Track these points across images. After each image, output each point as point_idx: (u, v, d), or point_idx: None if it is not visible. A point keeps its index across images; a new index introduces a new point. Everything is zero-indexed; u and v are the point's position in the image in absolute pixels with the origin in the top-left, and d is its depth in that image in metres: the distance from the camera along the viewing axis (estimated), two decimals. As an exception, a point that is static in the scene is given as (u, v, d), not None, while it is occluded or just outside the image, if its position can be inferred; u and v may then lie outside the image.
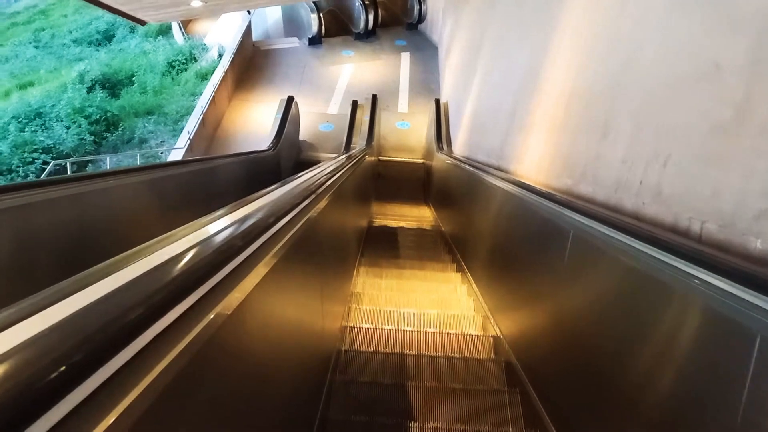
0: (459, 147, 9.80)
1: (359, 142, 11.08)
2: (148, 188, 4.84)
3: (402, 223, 9.03)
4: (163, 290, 0.93)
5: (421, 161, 12.47)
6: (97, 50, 22.45)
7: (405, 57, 16.08)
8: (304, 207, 2.37)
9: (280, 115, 11.28)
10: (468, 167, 6.67)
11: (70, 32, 26.07)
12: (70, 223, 3.60)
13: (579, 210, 2.65)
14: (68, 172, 6.59)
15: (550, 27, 4.88)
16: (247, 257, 1.38)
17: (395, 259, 6.72)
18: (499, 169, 5.73)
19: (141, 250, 1.12)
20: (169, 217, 5.24)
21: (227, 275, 1.20)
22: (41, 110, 14.68)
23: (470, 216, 6.26)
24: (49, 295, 0.82)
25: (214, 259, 1.17)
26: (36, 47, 25.02)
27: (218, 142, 12.48)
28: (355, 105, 13.19)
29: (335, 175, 4.14)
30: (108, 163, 8.73)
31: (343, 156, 7.57)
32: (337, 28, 17.21)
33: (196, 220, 1.54)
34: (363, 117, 12.50)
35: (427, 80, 14.99)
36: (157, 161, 11.87)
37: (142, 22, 9.46)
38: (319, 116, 13.52)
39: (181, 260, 1.08)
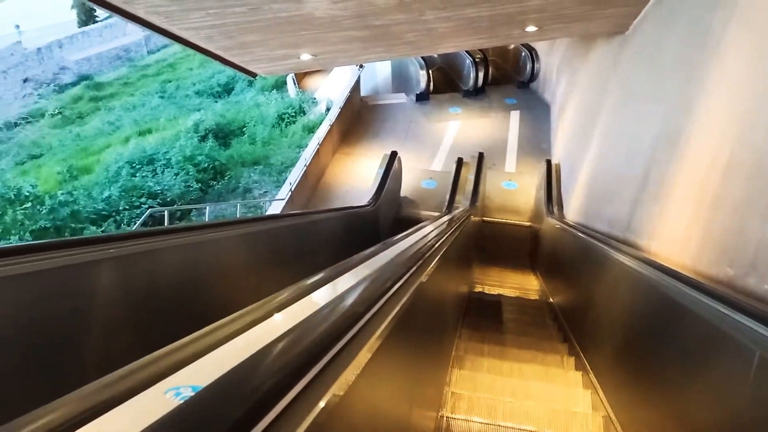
0: (572, 212, 9.03)
1: (463, 201, 10.57)
2: (245, 241, 4.69)
3: (506, 291, 8.32)
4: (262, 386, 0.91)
5: (527, 224, 11.72)
6: (216, 102, 23.66)
7: (514, 115, 15.55)
8: (410, 277, 2.16)
9: (382, 170, 11.03)
10: (584, 236, 5.95)
11: (194, 84, 27.81)
12: (168, 274, 3.45)
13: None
14: (166, 220, 6.54)
15: (695, 85, 4.19)
16: (351, 338, 1.29)
17: (498, 334, 6.02)
18: (625, 242, 4.99)
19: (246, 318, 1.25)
20: (265, 272, 5.07)
21: (334, 356, 1.15)
22: (154, 156, 15.37)
23: (589, 293, 5.49)
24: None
25: (324, 339, 1.15)
26: (161, 97, 26.81)
27: (319, 194, 12.39)
28: (460, 162, 12.74)
29: (439, 239, 3.84)
30: (207, 213, 8.77)
31: (446, 216, 7.10)
32: (445, 84, 17.05)
33: (298, 285, 1.58)
34: (468, 175, 12.02)
35: (537, 140, 14.33)
36: (257, 214, 11.91)
37: (254, 75, 9.57)
38: (422, 172, 13.18)
39: (283, 347, 1.06)
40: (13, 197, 9.63)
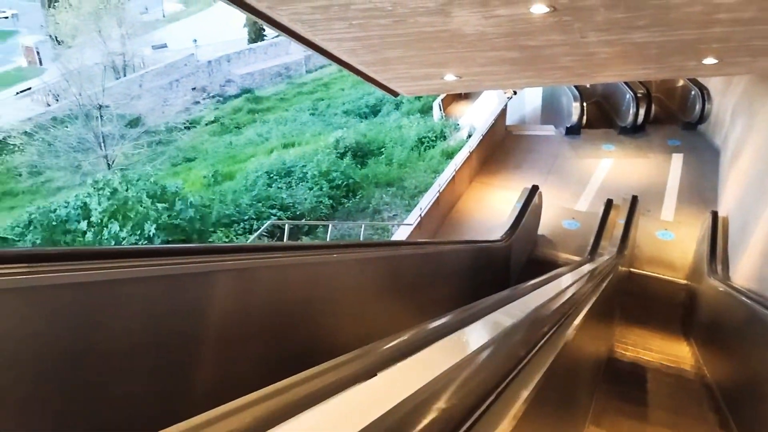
0: (742, 275, 7.70)
1: (609, 248, 9.50)
2: (362, 265, 4.34)
3: (653, 358, 7.18)
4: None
5: (683, 282, 10.30)
6: (361, 122, 24.08)
7: (677, 158, 14.02)
8: (550, 337, 1.92)
9: (519, 205, 10.26)
10: (759, 307, 4.84)
11: (343, 104, 28.68)
12: (276, 291, 3.20)
13: None
14: (286, 234, 6.33)
15: None
16: (492, 402, 1.15)
17: (642, 407, 5.05)
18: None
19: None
20: (380, 300, 4.74)
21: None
22: (292, 169, 15.70)
23: (760, 377, 4.41)
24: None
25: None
26: (312, 114, 27.88)
27: (450, 223, 11.86)
28: (609, 204, 11.60)
29: (582, 293, 3.46)
30: (329, 230, 8.50)
31: (589, 265, 6.23)
32: (599, 119, 15.94)
33: (422, 326, 1.57)
34: (617, 219, 10.89)
35: (701, 188, 12.75)
36: (380, 239, 11.61)
37: (396, 93, 9.29)
38: (564, 211, 12.20)
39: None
40: (155, 194, 10.14)
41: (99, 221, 9.31)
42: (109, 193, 9.87)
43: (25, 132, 23.80)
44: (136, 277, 1.99)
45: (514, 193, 11.46)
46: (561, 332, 2.09)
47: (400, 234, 10.46)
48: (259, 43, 42.03)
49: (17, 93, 37.71)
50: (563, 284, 3.22)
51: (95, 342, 1.86)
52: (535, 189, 11.00)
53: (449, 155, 15.87)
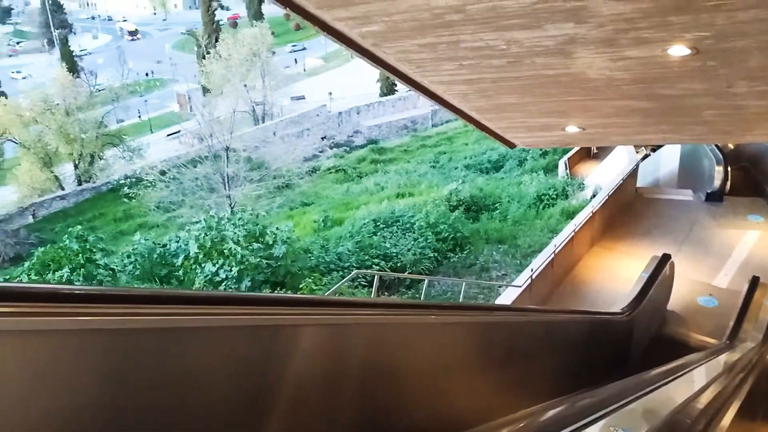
0: None
1: (752, 333, 8.22)
2: (463, 330, 3.95)
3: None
4: None
5: None
6: (480, 176, 23.62)
7: (841, 236, 12.19)
8: None
9: (647, 275, 9.22)
10: None
11: (465, 158, 28.53)
12: (367, 352, 2.90)
13: None
14: (374, 287, 5.90)
15: None
16: None
17: None
18: None
19: None
20: (469, 369, 4.17)
21: None
22: (400, 219, 15.43)
23: None
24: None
25: None
26: (433, 167, 27.93)
27: (564, 289, 10.96)
28: (754, 283, 10.15)
29: (727, 390, 3.09)
30: (425, 285, 7.93)
31: (728, 352, 5.26)
32: (746, 186, 14.47)
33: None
34: (763, 301, 9.46)
35: None
36: (477, 302, 10.86)
37: (512, 145, 8.74)
38: (700, 286, 10.92)
39: None
40: (255, 234, 10.24)
41: (194, 257, 9.51)
42: (206, 231, 10.11)
43: (161, 171, 25.73)
44: (216, 326, 1.91)
45: (641, 261, 10.43)
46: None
47: (508, 296, 9.72)
48: (389, 97, 43.30)
49: (168, 135, 41.45)
50: (701, 378, 2.55)
51: (169, 390, 1.80)
52: (666, 258, 9.90)
53: (569, 215, 14.94)
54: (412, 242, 14.19)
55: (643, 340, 8.95)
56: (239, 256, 9.24)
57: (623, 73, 5.07)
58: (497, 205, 17.63)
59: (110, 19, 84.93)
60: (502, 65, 5.14)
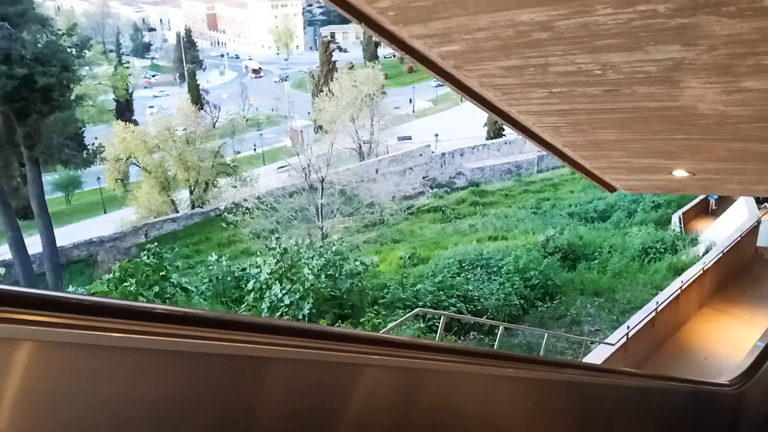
0: None
1: None
2: (542, 387, 3.61)
3: None
4: None
5: None
6: (584, 226, 22.46)
7: None
8: None
9: (763, 344, 8.16)
10: None
11: (569, 206, 27.38)
12: (432, 399, 2.71)
13: None
14: (440, 329, 5.50)
15: None
16: None
17: None
18: None
19: None
20: None
21: None
22: (487, 261, 14.79)
23: None
24: None
25: None
26: (534, 213, 27.02)
27: (665, 352, 9.96)
28: None
29: None
30: (499, 333, 7.28)
31: None
32: None
33: None
34: None
35: None
36: (558, 358, 9.98)
37: (611, 188, 8.09)
38: (828, 363, 9.47)
39: None
40: (327, 262, 10.12)
41: (264, 282, 9.54)
42: (279, 256, 10.13)
43: (262, 200, 26.74)
44: (275, 357, 1.82)
45: (757, 329, 9.33)
46: None
47: (598, 354, 8.86)
48: (494, 141, 42.92)
49: (278, 168, 43.33)
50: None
51: (223, 417, 1.75)
52: (787, 328, 8.74)
53: (677, 271, 13.66)
54: (498, 286, 13.44)
55: (756, 417, 7.85)
56: (307, 284, 9.13)
57: (740, 108, 4.46)
58: (597, 254, 16.52)
59: (237, 57, 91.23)
60: (597, 94, 4.63)
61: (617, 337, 9.07)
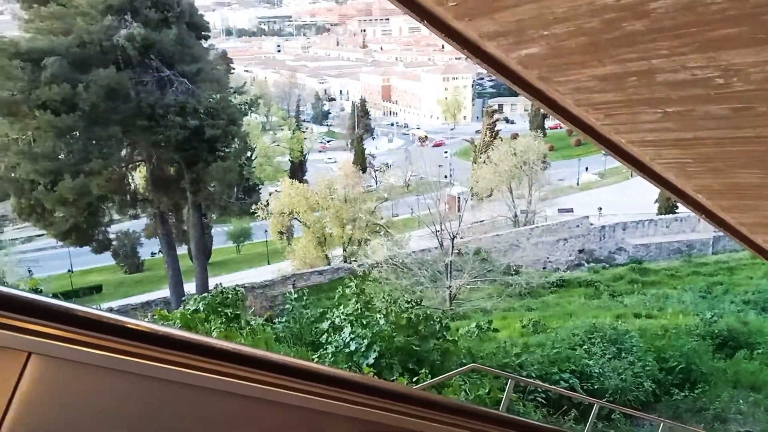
0: None
1: None
2: None
3: None
4: None
5: None
6: (759, 316, 19.39)
7: None
8: None
9: None
10: None
11: (745, 293, 24.09)
12: None
13: None
14: (504, 397, 4.67)
15: None
16: None
17: None
18: None
19: None
20: None
21: None
22: (621, 337, 13.10)
23: None
24: None
25: None
26: (701, 296, 24.06)
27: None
28: None
29: None
30: (593, 413, 5.99)
31: None
32: None
33: None
34: None
35: None
36: None
37: (767, 254, 6.76)
38: None
39: None
40: (403, 311, 9.45)
41: (339, 325, 9.11)
42: (355, 297, 9.69)
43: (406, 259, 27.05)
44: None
45: None
46: None
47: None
48: (663, 216, 39.59)
49: (432, 232, 43.70)
50: None
51: None
52: None
53: None
54: (626, 365, 11.79)
55: None
56: (376, 328, 8.50)
57: None
58: (761, 344, 13.97)
59: (406, 126, 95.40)
60: (724, 114, 3.30)
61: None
